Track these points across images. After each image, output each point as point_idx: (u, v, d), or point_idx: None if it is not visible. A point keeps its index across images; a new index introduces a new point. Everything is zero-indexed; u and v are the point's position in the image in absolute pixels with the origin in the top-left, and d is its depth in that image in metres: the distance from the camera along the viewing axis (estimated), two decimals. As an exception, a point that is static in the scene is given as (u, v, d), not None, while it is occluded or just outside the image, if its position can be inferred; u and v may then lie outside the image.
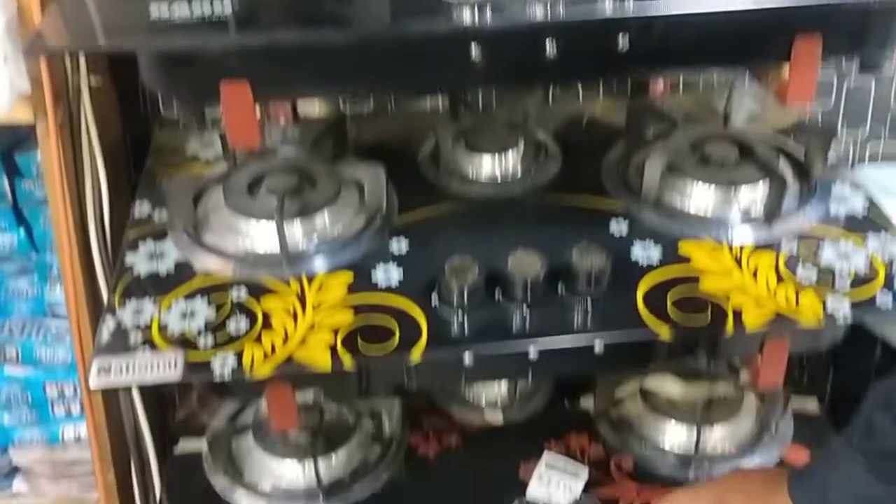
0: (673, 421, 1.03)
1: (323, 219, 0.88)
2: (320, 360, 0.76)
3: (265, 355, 0.77)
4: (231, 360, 0.76)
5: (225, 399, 1.07)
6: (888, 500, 0.72)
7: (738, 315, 0.79)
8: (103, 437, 1.02)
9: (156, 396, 1.17)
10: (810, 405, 1.08)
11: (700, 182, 0.89)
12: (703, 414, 1.03)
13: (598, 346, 0.80)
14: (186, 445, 1.05)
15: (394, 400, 1.05)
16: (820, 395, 1.11)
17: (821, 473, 0.77)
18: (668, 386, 1.05)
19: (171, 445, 1.05)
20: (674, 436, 1.03)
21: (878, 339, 1.28)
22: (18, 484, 1.13)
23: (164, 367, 0.76)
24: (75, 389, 1.05)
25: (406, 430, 1.05)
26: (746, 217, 0.88)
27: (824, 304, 0.80)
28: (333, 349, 0.77)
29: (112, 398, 1.03)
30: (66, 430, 1.08)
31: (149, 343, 0.78)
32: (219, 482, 1.00)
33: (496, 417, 1.08)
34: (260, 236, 0.86)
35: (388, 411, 1.04)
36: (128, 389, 1.03)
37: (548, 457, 1.01)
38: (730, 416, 1.04)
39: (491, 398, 1.09)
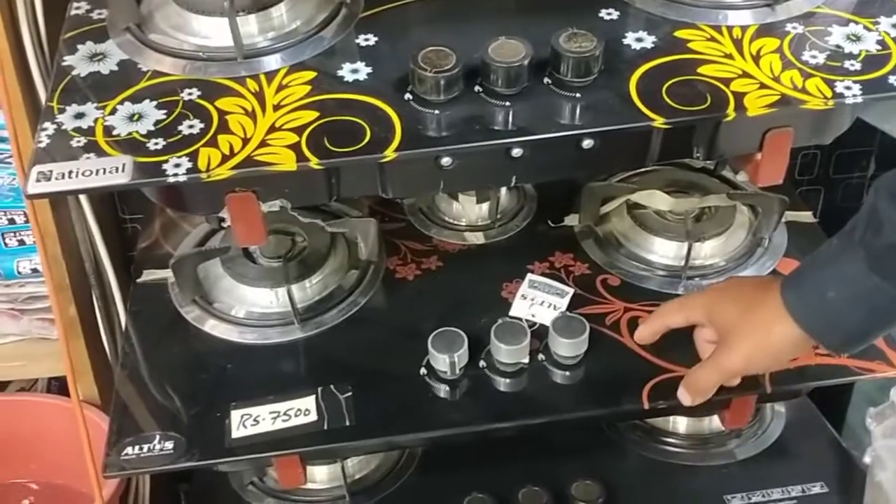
0: (661, 236, 0.99)
1: (280, 12, 0.80)
2: (284, 160, 0.70)
3: (223, 157, 0.70)
4: (185, 163, 0.69)
5: (185, 217, 1.01)
6: (891, 301, 0.68)
7: (739, 99, 0.72)
8: (59, 267, 0.96)
9: (117, 230, 1.11)
10: (805, 217, 1.04)
11: (698, -36, 0.81)
12: (694, 228, 0.98)
13: (588, 140, 0.74)
14: (151, 275, 0.99)
15: (369, 222, 0.99)
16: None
17: (815, 273, 0.72)
18: (656, 199, 1.00)
19: (135, 279, 1.00)
20: (662, 251, 0.99)
21: (871, 154, 1.24)
22: (-23, 325, 1.08)
23: (112, 172, 0.69)
24: (26, 217, 0.99)
25: (383, 255, 1.00)
26: (747, 0, 0.81)
27: (833, 85, 0.73)
28: (298, 149, 0.70)
29: (66, 225, 0.97)
30: (21, 264, 1.02)
31: (93, 147, 0.71)
32: (188, 310, 0.95)
33: (477, 239, 1.03)
34: (212, 33, 0.78)
35: (364, 235, 0.98)
36: (81, 215, 0.97)
37: (531, 277, 0.97)
38: (721, 229, 0.99)
39: (472, 219, 1.04)
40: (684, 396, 0.81)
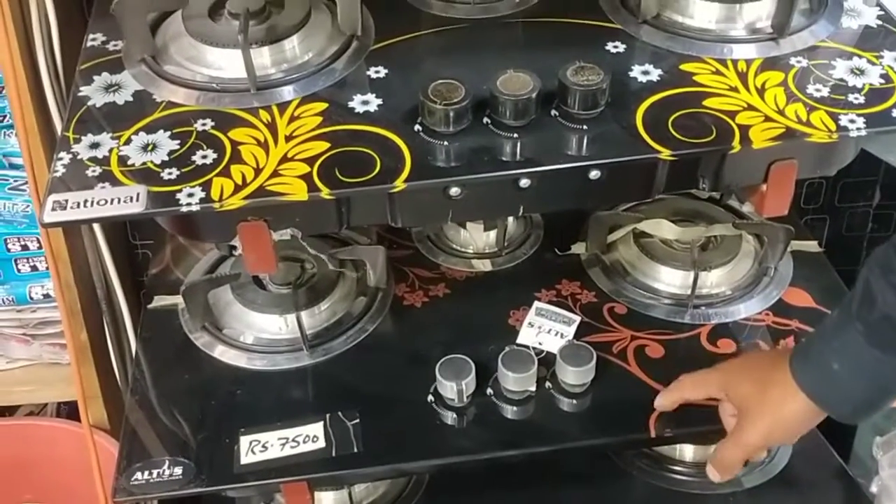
0: (668, 265, 1.00)
1: (292, 44, 0.81)
2: (295, 189, 0.71)
3: (236, 187, 0.71)
4: (199, 192, 0.70)
5: (196, 244, 1.02)
6: (892, 371, 0.69)
7: (744, 132, 0.73)
8: (72, 293, 0.97)
9: (128, 255, 1.12)
10: (810, 247, 1.04)
11: (702, -2, 0.83)
12: (700, 257, 0.99)
13: (595, 172, 0.75)
14: (161, 301, 1.00)
15: (377, 250, 1.00)
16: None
17: (820, 346, 0.73)
18: (663, 229, 1.01)
19: (145, 304, 1.01)
20: (669, 280, 1.00)
21: (876, 184, 1.25)
22: (-12, 349, 1.09)
23: (126, 201, 0.70)
24: (39, 243, 1.00)
25: (391, 281, 1.01)
26: (752, 34, 0.82)
27: (837, 118, 0.74)
28: (310, 179, 0.71)
29: (78, 251, 0.98)
30: (33, 289, 1.03)
31: (108, 176, 0.72)
32: (197, 336, 0.96)
33: (485, 266, 1.03)
34: (225, 65, 0.80)
35: (372, 262, 0.99)
36: (94, 241, 0.98)
37: (538, 304, 0.97)
38: (727, 258, 1.00)
39: (479, 246, 1.04)
40: (713, 475, 0.83)
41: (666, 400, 0.86)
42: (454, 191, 0.75)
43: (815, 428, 1.07)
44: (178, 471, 0.83)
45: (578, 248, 1.04)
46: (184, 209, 0.69)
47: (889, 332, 0.67)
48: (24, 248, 1.01)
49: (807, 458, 1.06)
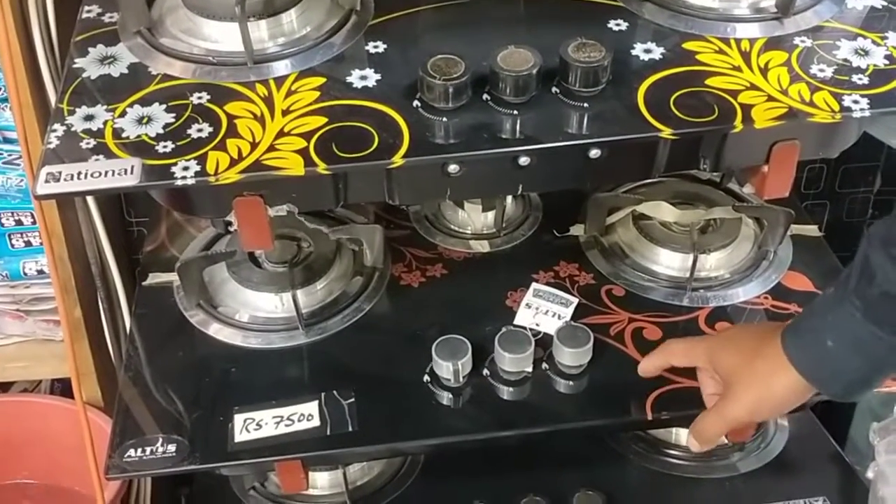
0: (667, 247, 0.99)
1: (290, 18, 0.80)
2: (292, 164, 0.70)
3: (231, 161, 0.70)
4: (194, 166, 0.70)
5: (191, 220, 1.01)
6: (888, 349, 0.68)
7: (746, 111, 0.72)
8: (66, 269, 0.96)
9: (123, 232, 1.12)
10: (810, 231, 1.04)
11: (706, -24, 0.82)
12: (699, 239, 0.98)
13: (595, 150, 0.74)
14: (156, 278, 0.99)
15: (375, 229, 0.99)
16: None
17: (814, 322, 0.72)
18: (662, 211, 1.00)
19: (140, 282, 1.00)
20: (667, 262, 0.99)
21: (877, 169, 1.24)
22: (-19, 324, 1.08)
23: (121, 174, 0.69)
24: (33, 218, 0.99)
25: (388, 261, 1.00)
26: (755, 13, 0.81)
27: (840, 99, 0.73)
28: (306, 154, 0.71)
29: (73, 226, 0.97)
30: (27, 265, 1.02)
31: (103, 149, 0.71)
32: (192, 314, 0.95)
33: (482, 247, 1.03)
34: (222, 38, 0.79)
35: (370, 241, 0.99)
36: (88, 217, 0.97)
37: (536, 286, 0.97)
38: (727, 241, 0.99)
39: (477, 227, 1.04)
40: (693, 444, 0.82)
41: (651, 365, 0.85)
42: (453, 168, 0.74)
43: (811, 413, 1.09)
44: (172, 448, 0.83)
45: (577, 230, 1.03)
46: (178, 182, 0.69)
47: (888, 308, 0.66)
48: (18, 222, 1.00)
49: (803, 443, 1.06)
